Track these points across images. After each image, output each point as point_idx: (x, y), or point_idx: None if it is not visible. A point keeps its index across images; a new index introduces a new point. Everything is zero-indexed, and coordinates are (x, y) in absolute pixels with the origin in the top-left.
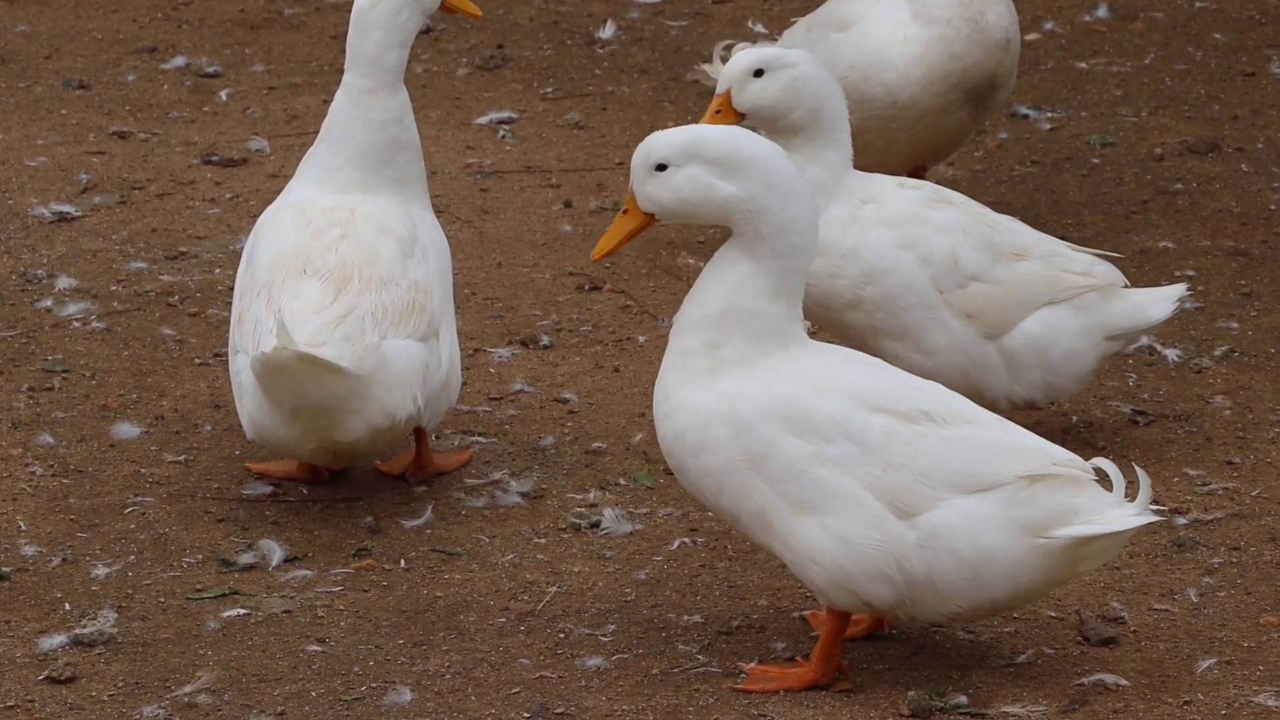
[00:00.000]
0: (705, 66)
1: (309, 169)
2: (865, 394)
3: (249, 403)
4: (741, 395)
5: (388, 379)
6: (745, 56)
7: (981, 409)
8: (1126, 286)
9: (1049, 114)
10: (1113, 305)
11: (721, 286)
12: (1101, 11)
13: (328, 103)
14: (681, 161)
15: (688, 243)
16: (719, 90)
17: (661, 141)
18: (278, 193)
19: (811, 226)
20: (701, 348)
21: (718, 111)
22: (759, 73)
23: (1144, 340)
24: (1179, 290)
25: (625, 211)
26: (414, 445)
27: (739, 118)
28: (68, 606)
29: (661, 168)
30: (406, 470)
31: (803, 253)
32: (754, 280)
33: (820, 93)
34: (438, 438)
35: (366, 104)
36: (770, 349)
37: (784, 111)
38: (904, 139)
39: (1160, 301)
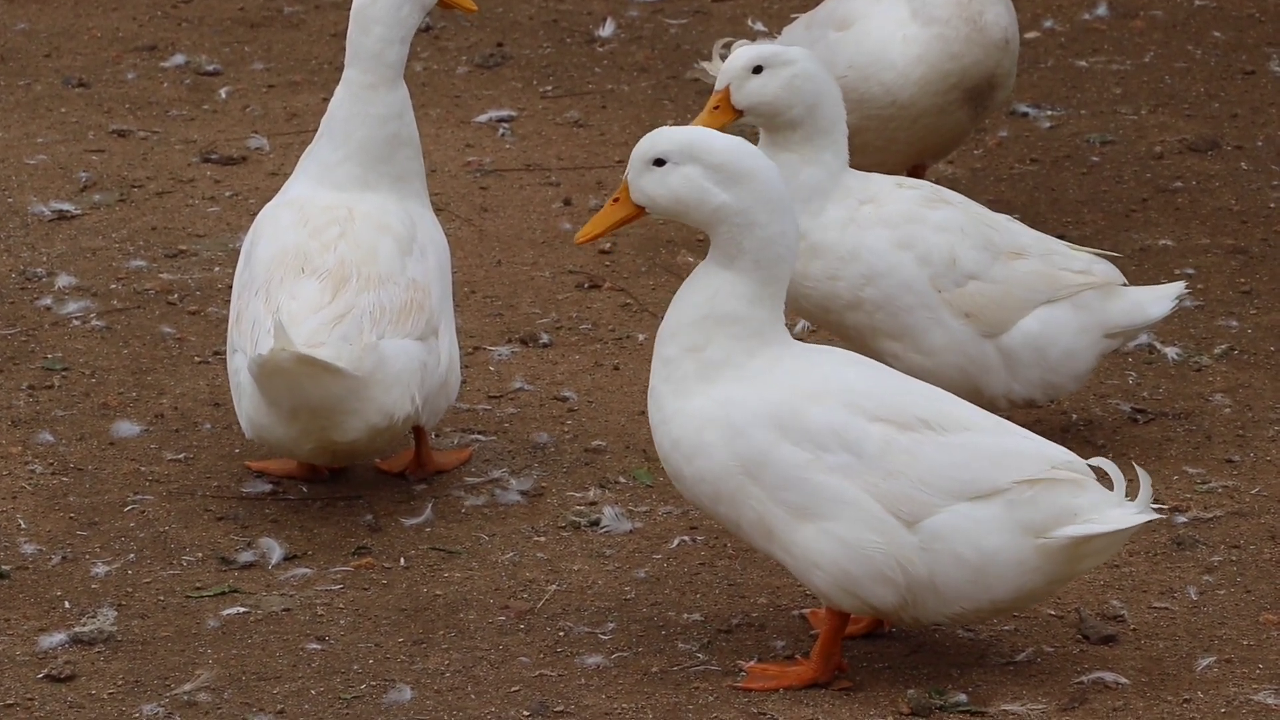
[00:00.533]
0: (705, 64)
1: (308, 165)
2: (861, 402)
3: (247, 403)
4: (734, 400)
5: (385, 379)
6: (744, 53)
7: (979, 412)
8: (1125, 285)
9: (1049, 112)
10: (1111, 303)
11: (698, 295)
12: (1101, 9)
13: (327, 100)
14: (681, 160)
15: (687, 240)
16: (718, 86)
17: (664, 137)
18: (277, 191)
19: (795, 240)
20: (683, 353)
21: (716, 107)
22: (758, 69)
23: (1143, 338)
24: (1178, 288)
25: (616, 200)
26: (413, 443)
27: (737, 114)
28: (67, 605)
29: (660, 163)
30: (406, 468)
31: (784, 263)
32: (733, 287)
33: (818, 90)
34: (437, 436)
35: (367, 99)
36: (754, 348)
37: (782, 108)
38: (902, 138)
39: (1159, 299)
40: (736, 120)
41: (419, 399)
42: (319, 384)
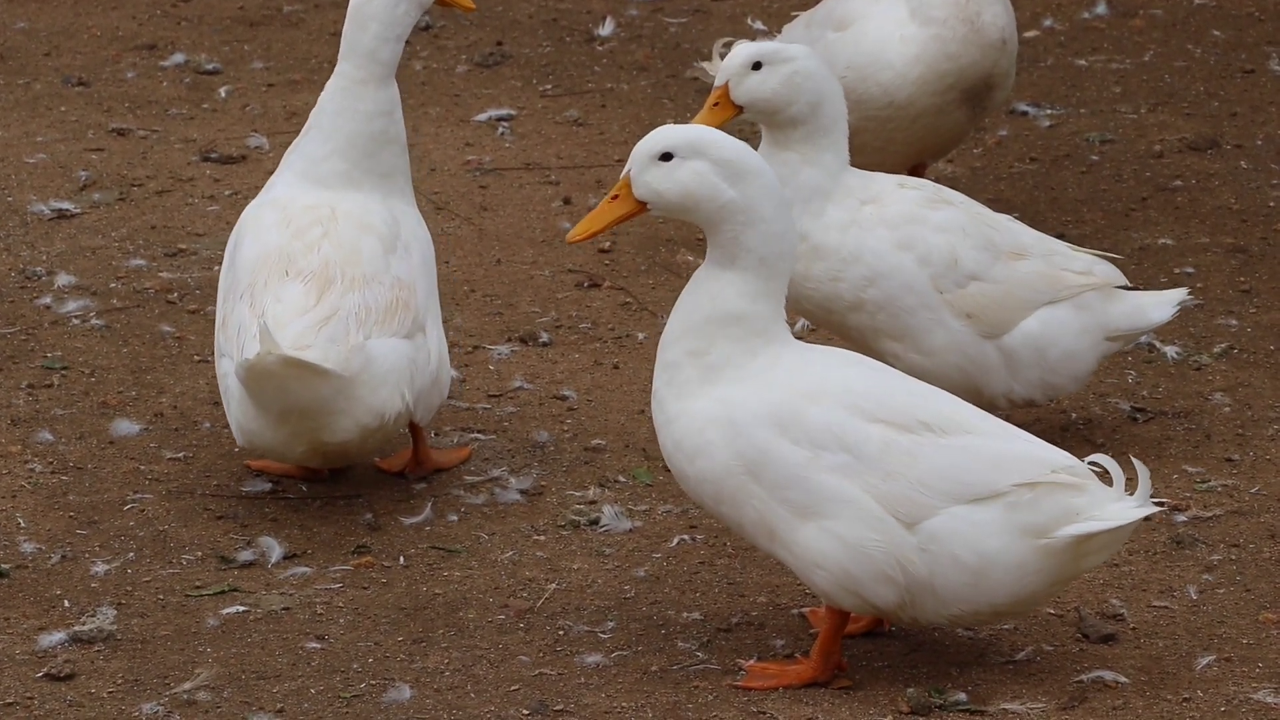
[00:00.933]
0: (704, 64)
1: (294, 160)
2: (860, 403)
3: (236, 408)
4: (735, 400)
5: (373, 378)
6: (743, 50)
7: (978, 413)
8: (1126, 287)
9: (1048, 111)
10: (1113, 306)
11: (700, 297)
12: (1101, 8)
13: None
14: (688, 155)
15: (687, 239)
16: (717, 83)
17: (671, 132)
18: None
19: (795, 238)
20: (685, 357)
21: (715, 104)
22: (757, 66)
23: (1143, 337)
24: (1180, 294)
25: (615, 197)
26: (412, 442)
27: (737, 110)
28: (67, 603)
29: (666, 157)
30: (405, 467)
31: (786, 260)
32: (735, 286)
33: (819, 88)
34: (436, 434)
35: (357, 94)
36: (756, 347)
37: (782, 105)
38: (901, 139)
39: (1161, 305)
40: (736, 117)
41: (409, 396)
42: (307, 386)
